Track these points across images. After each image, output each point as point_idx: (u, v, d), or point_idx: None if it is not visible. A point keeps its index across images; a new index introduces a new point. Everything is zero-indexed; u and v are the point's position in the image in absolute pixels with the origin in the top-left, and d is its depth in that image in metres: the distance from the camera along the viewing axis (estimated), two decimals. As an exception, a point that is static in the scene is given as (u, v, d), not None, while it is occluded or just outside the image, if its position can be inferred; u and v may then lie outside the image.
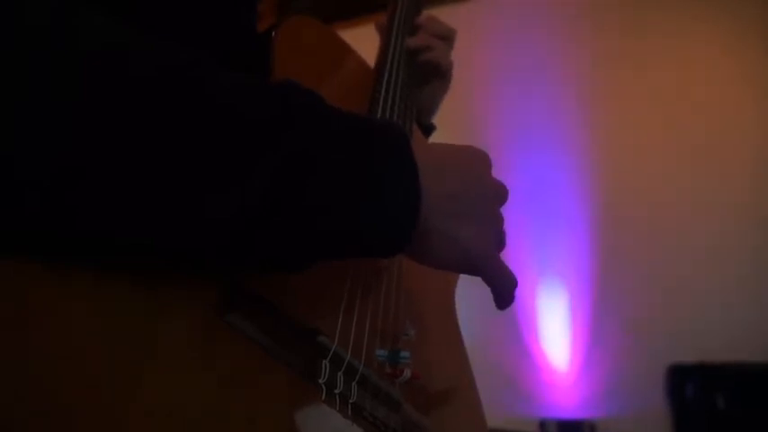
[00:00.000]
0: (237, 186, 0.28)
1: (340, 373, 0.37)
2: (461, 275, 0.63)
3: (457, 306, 0.63)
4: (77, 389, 0.26)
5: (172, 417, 0.28)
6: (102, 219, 0.27)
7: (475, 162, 0.41)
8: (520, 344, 2.35)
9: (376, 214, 0.33)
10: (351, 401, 0.37)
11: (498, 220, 0.41)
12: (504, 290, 0.42)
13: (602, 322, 2.30)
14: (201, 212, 0.28)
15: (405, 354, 0.42)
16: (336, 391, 0.36)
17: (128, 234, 0.27)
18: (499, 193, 0.41)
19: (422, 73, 0.72)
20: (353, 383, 0.38)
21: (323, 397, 0.36)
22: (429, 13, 0.76)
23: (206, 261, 0.31)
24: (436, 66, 0.72)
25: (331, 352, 0.37)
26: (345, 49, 0.63)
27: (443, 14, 0.78)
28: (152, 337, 0.29)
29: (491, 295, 0.43)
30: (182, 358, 0.30)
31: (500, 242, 0.42)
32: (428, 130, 0.78)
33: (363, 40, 0.76)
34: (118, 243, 0.28)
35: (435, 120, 0.80)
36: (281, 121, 0.31)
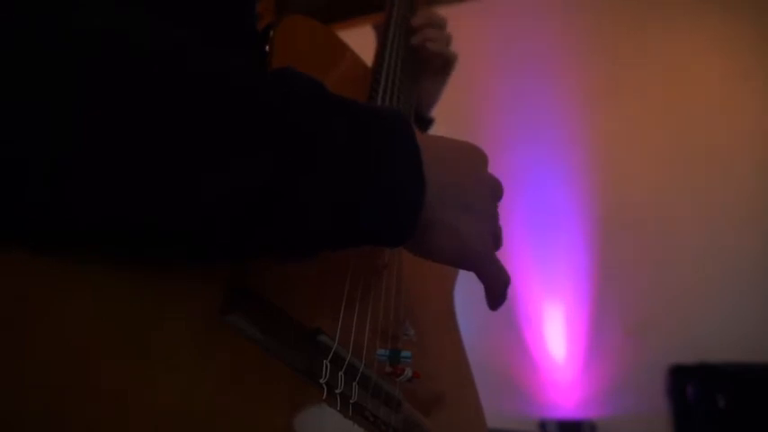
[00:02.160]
0: (238, 173, 0.28)
1: (341, 373, 0.37)
2: (461, 275, 0.63)
3: (457, 306, 0.63)
4: (77, 388, 0.26)
5: (172, 416, 0.28)
6: (102, 206, 0.26)
7: (473, 157, 0.41)
8: (520, 344, 2.35)
9: (380, 204, 0.32)
10: (352, 401, 0.37)
11: (495, 217, 0.41)
12: (497, 288, 0.41)
13: (603, 322, 2.30)
14: (198, 197, 0.27)
15: (406, 353, 0.42)
16: (337, 391, 0.36)
17: (125, 218, 0.27)
18: (496, 190, 0.41)
19: (428, 67, 0.74)
20: (354, 383, 0.38)
21: (324, 397, 0.36)
22: (426, 9, 0.77)
23: (207, 257, 0.31)
24: (439, 55, 0.73)
25: (332, 352, 0.37)
26: (343, 48, 0.63)
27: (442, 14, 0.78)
28: (152, 336, 0.29)
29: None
30: (182, 358, 0.30)
31: (496, 239, 0.41)
32: (428, 123, 0.78)
33: (361, 40, 0.76)
34: (116, 227, 0.27)
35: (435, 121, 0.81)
36: (282, 110, 0.30)
